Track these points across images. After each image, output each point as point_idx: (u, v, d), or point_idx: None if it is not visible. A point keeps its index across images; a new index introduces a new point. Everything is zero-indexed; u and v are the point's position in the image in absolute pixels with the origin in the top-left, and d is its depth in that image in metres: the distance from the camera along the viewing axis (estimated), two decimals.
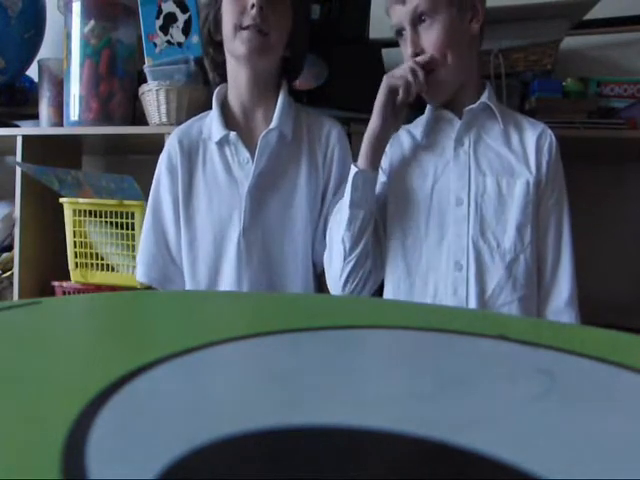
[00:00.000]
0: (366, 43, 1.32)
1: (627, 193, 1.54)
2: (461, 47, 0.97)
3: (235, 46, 0.99)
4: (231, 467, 0.16)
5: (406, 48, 0.97)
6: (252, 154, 1.02)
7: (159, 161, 1.08)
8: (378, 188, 1.00)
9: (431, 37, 0.94)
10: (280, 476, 0.16)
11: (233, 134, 1.02)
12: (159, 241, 1.05)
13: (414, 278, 0.97)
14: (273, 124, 1.02)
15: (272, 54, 1.02)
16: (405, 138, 1.04)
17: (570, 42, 1.45)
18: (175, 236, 1.05)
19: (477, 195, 0.95)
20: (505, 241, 0.94)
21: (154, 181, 1.07)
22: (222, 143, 1.04)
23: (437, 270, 0.96)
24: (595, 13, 1.36)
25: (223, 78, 1.09)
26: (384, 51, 1.37)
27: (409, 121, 1.11)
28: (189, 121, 1.11)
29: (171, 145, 1.06)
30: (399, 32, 0.98)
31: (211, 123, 1.06)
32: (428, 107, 1.03)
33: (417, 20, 0.94)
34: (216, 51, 1.07)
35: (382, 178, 1.02)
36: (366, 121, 1.27)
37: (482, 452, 0.17)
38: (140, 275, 1.07)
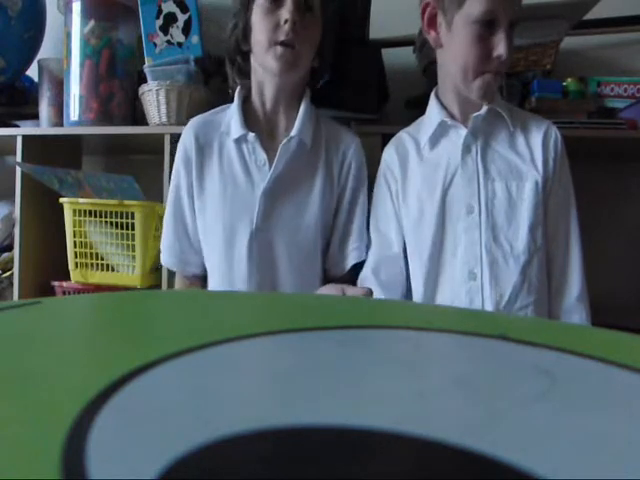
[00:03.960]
0: (366, 43, 1.32)
1: (627, 193, 1.54)
2: None
3: (267, 61, 0.99)
4: (231, 467, 0.16)
5: (497, 44, 0.91)
6: (269, 157, 1.03)
7: (177, 152, 1.10)
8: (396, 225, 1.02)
9: (512, 44, 0.93)
10: (280, 476, 0.16)
11: (252, 135, 1.02)
12: (177, 228, 1.08)
13: (433, 292, 0.97)
14: (294, 132, 1.03)
15: (302, 69, 1.03)
16: (410, 146, 1.03)
17: (570, 42, 1.44)
18: (192, 223, 1.07)
19: (487, 201, 0.95)
20: (518, 244, 0.93)
21: (173, 171, 1.09)
22: (240, 141, 1.04)
23: (452, 281, 0.96)
24: (595, 13, 1.36)
25: (243, 83, 1.09)
26: (384, 51, 1.37)
27: (405, 121, 1.11)
28: (205, 114, 1.11)
29: (186, 136, 1.07)
30: (484, 21, 0.91)
31: (230, 119, 1.06)
32: (433, 114, 1.01)
33: (511, 24, 0.91)
34: (243, 60, 1.07)
35: (389, 211, 1.03)
36: (366, 121, 1.27)
37: (482, 452, 0.17)
38: (162, 260, 1.11)
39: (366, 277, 1.03)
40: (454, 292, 0.95)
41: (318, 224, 1.04)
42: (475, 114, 0.97)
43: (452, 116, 1.00)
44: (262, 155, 1.02)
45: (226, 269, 1.03)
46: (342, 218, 1.06)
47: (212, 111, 1.11)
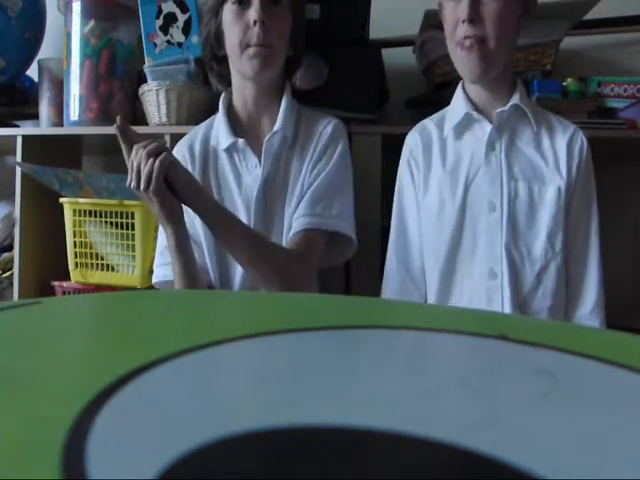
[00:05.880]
0: (366, 43, 1.32)
1: (627, 193, 1.54)
2: (510, 34, 0.94)
3: (242, 64, 0.99)
4: (231, 467, 0.16)
5: (460, 10, 0.90)
6: (260, 159, 1.03)
7: None
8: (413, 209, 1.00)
9: (494, 9, 0.89)
10: (280, 476, 0.16)
11: (241, 141, 1.02)
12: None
13: (450, 288, 0.96)
14: (276, 127, 1.03)
15: (278, 64, 1.03)
16: (434, 134, 1.01)
17: (570, 42, 1.44)
18: (201, 230, 1.02)
19: (510, 201, 0.94)
20: (536, 248, 0.92)
21: None
22: (230, 150, 1.04)
23: (471, 279, 0.95)
24: (595, 13, 1.36)
25: (228, 85, 1.09)
26: (384, 51, 1.37)
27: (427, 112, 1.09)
28: (192, 131, 1.11)
29: (179, 153, 1.05)
30: None
31: (218, 130, 1.06)
32: (458, 105, 1.00)
33: None
34: (220, 65, 1.07)
35: (410, 200, 1.01)
36: (366, 121, 1.27)
37: (482, 452, 0.17)
38: (164, 275, 1.03)
39: (392, 272, 1.01)
40: (473, 290, 0.94)
41: (289, 221, 1.02)
42: (499, 110, 0.96)
43: (477, 109, 0.98)
44: (253, 159, 1.03)
45: (219, 274, 1.03)
46: (304, 185, 1.02)
47: (200, 125, 1.11)
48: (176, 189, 0.88)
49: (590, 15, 1.37)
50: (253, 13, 0.96)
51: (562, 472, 0.16)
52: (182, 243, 0.93)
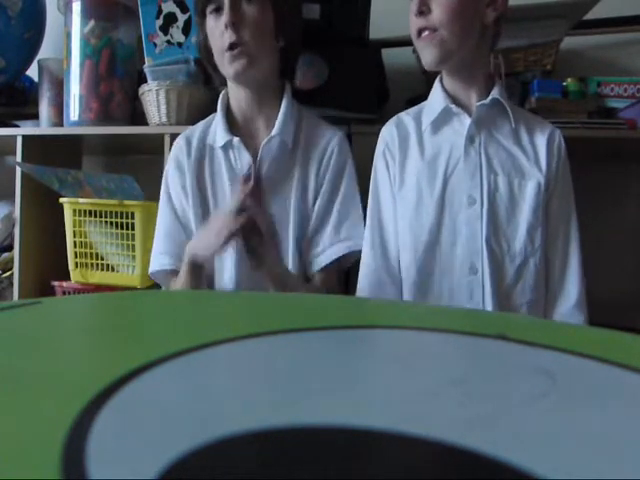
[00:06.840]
0: (366, 43, 1.32)
1: (626, 193, 1.54)
2: (470, 26, 0.92)
3: (225, 69, 1.01)
4: (231, 467, 0.16)
5: (412, 4, 0.92)
6: (255, 158, 1.03)
7: (167, 165, 1.09)
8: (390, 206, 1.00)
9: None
10: (280, 476, 0.16)
11: (236, 139, 1.02)
12: (176, 228, 1.04)
13: (428, 282, 0.96)
14: (275, 131, 1.02)
15: (260, 63, 1.01)
16: (411, 128, 1.01)
17: (570, 42, 1.44)
18: (193, 222, 1.03)
19: (490, 194, 0.93)
20: (515, 244, 0.92)
21: (163, 182, 1.07)
22: (226, 148, 1.04)
23: (451, 274, 0.94)
24: (595, 13, 1.36)
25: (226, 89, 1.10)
26: (384, 51, 1.37)
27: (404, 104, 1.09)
28: (193, 127, 1.12)
29: (178, 147, 1.07)
30: None
31: (215, 128, 1.07)
32: (436, 99, 1.00)
33: None
34: (216, 70, 1.08)
35: (387, 192, 1.01)
36: (366, 121, 1.27)
37: (482, 452, 0.17)
38: (156, 265, 1.04)
39: (368, 265, 1.00)
40: (454, 285, 0.94)
41: (296, 224, 1.02)
42: (479, 103, 0.96)
43: (455, 103, 0.98)
44: (247, 158, 1.02)
45: (218, 273, 1.03)
46: (316, 217, 1.03)
47: (200, 123, 1.11)
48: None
49: (590, 15, 1.37)
50: (224, 17, 0.98)
51: (562, 472, 0.16)
52: (202, 283, 0.97)
